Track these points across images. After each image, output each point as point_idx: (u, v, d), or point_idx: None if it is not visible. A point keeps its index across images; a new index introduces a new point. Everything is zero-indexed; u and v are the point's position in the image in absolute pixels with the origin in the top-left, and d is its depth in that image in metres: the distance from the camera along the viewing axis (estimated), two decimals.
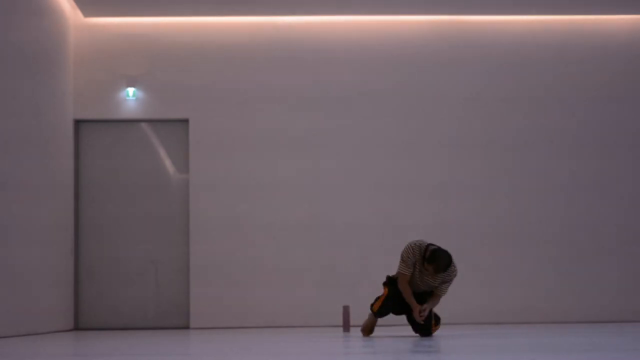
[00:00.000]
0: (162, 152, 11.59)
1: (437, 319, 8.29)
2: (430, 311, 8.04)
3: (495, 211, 11.57)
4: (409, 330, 8.62)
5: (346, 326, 9.38)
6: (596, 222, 11.57)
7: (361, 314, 10.81)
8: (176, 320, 11.37)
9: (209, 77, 11.56)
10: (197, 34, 11.56)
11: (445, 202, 11.52)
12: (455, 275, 8.00)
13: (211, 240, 11.35)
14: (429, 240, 8.48)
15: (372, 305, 8.43)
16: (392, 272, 8.53)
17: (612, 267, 11.52)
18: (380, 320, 8.58)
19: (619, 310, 11.42)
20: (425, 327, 7.98)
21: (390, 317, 8.17)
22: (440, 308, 8.49)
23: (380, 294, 8.41)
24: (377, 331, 8.75)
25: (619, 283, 11.51)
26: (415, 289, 8.10)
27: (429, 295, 8.14)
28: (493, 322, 11.32)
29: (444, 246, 8.41)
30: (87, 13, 11.44)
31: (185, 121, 11.55)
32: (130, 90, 11.46)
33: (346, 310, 9.37)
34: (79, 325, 11.34)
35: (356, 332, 8.98)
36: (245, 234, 11.40)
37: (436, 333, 8.37)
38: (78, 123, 11.54)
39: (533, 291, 11.46)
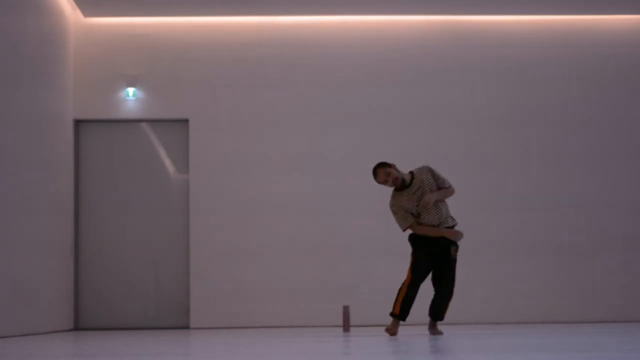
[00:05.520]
0: (162, 152, 11.59)
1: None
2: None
3: (498, 212, 11.56)
4: (410, 331, 8.61)
5: (346, 326, 9.38)
6: (600, 222, 11.56)
7: (361, 314, 10.83)
8: (176, 320, 11.37)
9: (209, 77, 11.55)
10: (198, 34, 11.56)
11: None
12: (427, 168, 8.23)
13: (211, 240, 11.34)
14: None
15: (393, 305, 8.15)
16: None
17: (616, 267, 11.51)
18: (387, 320, 8.53)
19: (623, 311, 11.41)
20: (449, 279, 8.17)
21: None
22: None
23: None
24: (378, 331, 8.74)
25: (623, 283, 11.50)
26: (428, 217, 8.19)
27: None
28: (493, 322, 11.32)
29: None
30: (87, 13, 11.44)
31: (185, 121, 11.55)
32: (130, 90, 11.46)
33: (346, 310, 9.37)
34: (79, 325, 11.33)
35: (356, 332, 8.97)
36: (246, 233, 11.39)
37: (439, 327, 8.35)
38: (78, 123, 11.53)
39: (535, 291, 11.45)
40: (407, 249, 8.76)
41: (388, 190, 11.63)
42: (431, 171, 8.23)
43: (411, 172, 8.28)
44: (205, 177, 11.43)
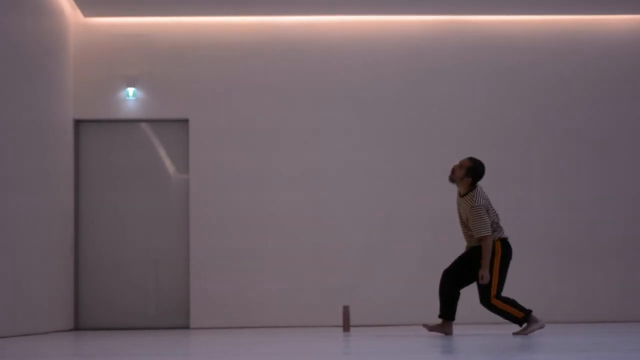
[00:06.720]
0: (162, 152, 11.59)
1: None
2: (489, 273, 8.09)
3: (499, 210, 11.55)
4: (412, 331, 8.60)
5: (346, 326, 9.38)
6: (600, 222, 11.56)
7: (361, 314, 10.82)
8: (176, 320, 11.36)
9: (209, 77, 11.55)
10: (197, 34, 11.55)
11: (448, 202, 11.49)
12: (472, 202, 8.24)
13: (211, 240, 11.34)
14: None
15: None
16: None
17: (616, 267, 11.50)
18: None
19: (623, 310, 11.41)
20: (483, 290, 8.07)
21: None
22: None
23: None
24: (381, 331, 8.73)
25: (623, 283, 11.48)
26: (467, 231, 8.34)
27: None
28: (494, 322, 11.31)
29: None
30: (87, 13, 11.44)
31: (185, 121, 11.55)
32: (130, 90, 11.46)
33: (346, 311, 9.37)
34: (79, 325, 11.33)
35: (356, 332, 8.97)
36: (246, 233, 11.39)
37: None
38: (78, 123, 11.53)
39: (535, 291, 11.44)
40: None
41: (389, 190, 11.67)
42: (471, 212, 8.26)
43: (472, 190, 8.32)
44: (205, 177, 11.43)
